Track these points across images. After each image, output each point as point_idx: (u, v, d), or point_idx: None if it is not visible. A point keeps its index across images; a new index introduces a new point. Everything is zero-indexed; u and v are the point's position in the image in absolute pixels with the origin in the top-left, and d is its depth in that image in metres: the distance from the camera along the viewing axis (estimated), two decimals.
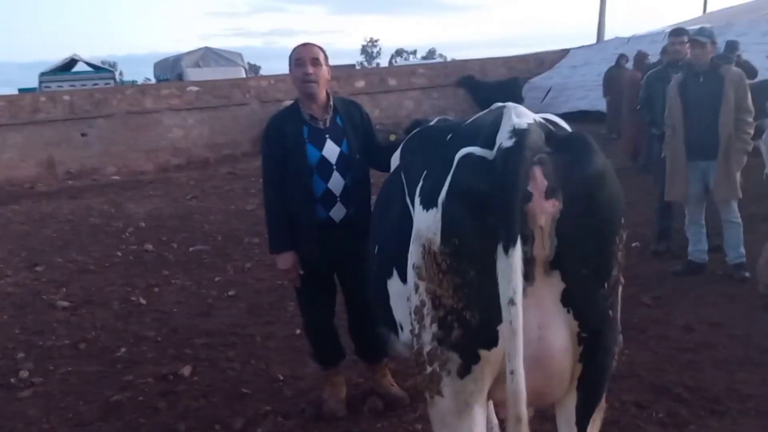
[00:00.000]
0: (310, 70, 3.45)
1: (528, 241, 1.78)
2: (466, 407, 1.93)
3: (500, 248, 1.72)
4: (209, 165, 14.77)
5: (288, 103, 3.91)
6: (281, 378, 4.32)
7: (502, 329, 1.75)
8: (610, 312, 1.94)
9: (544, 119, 2.04)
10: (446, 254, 1.87)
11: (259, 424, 3.73)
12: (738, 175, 5.28)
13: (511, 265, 1.71)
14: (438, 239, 1.88)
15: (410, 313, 2.03)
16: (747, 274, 5.24)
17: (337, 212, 3.56)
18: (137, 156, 14.74)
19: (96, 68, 23.36)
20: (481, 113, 2.23)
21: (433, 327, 1.93)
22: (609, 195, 1.89)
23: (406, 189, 2.22)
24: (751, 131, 5.38)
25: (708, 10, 26.34)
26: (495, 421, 2.88)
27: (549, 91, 17.31)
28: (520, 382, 1.72)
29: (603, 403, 2.08)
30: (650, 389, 3.71)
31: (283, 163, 3.49)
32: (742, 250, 5.39)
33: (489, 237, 1.76)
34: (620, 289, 2.03)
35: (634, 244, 6.32)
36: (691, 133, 5.31)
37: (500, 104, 2.09)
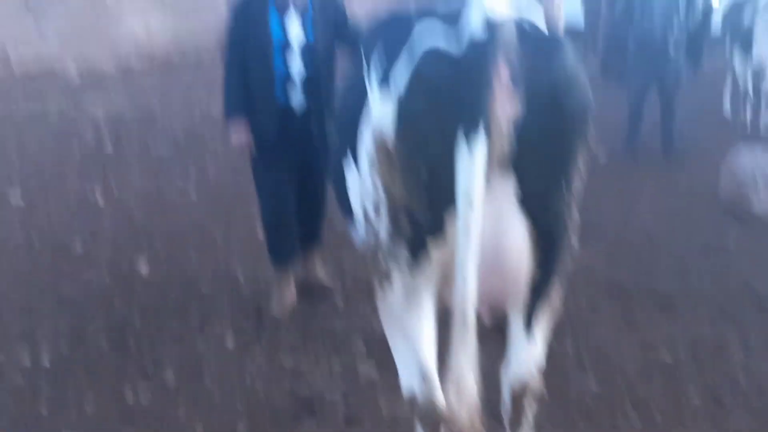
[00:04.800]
0: None
1: (487, 143, 1.68)
2: (415, 300, 1.93)
3: (462, 148, 1.65)
4: (173, 66, 14.10)
5: None
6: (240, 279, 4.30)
7: (456, 231, 1.69)
8: (567, 217, 1.89)
9: (520, 17, 1.87)
10: (401, 151, 1.78)
11: None
12: None
13: (471, 166, 1.65)
14: (393, 134, 1.79)
15: (365, 204, 1.98)
16: None
17: (297, 99, 3.46)
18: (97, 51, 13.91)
19: None
20: None
21: (385, 220, 1.87)
22: (574, 104, 1.79)
23: (368, 74, 2.08)
24: None
25: None
26: None
27: None
28: (470, 286, 1.69)
29: (555, 304, 2.07)
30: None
31: (246, 40, 3.40)
32: None
33: (448, 136, 1.68)
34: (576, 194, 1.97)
35: None
36: None
37: None
